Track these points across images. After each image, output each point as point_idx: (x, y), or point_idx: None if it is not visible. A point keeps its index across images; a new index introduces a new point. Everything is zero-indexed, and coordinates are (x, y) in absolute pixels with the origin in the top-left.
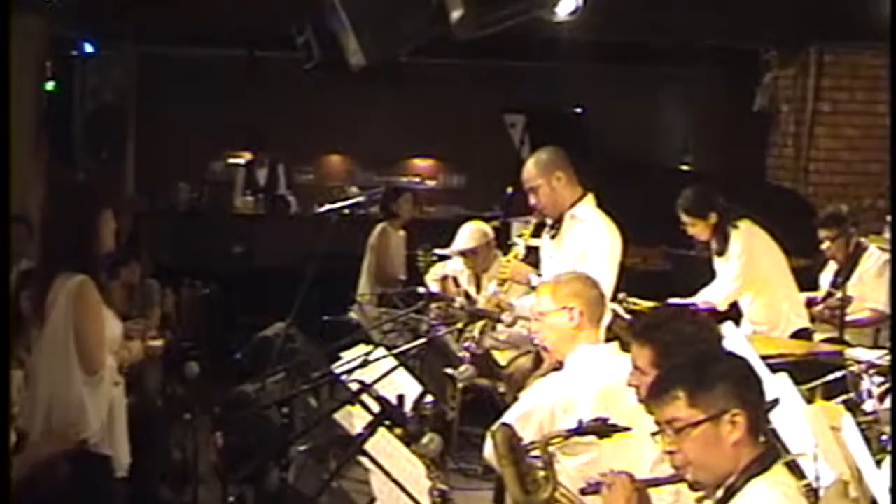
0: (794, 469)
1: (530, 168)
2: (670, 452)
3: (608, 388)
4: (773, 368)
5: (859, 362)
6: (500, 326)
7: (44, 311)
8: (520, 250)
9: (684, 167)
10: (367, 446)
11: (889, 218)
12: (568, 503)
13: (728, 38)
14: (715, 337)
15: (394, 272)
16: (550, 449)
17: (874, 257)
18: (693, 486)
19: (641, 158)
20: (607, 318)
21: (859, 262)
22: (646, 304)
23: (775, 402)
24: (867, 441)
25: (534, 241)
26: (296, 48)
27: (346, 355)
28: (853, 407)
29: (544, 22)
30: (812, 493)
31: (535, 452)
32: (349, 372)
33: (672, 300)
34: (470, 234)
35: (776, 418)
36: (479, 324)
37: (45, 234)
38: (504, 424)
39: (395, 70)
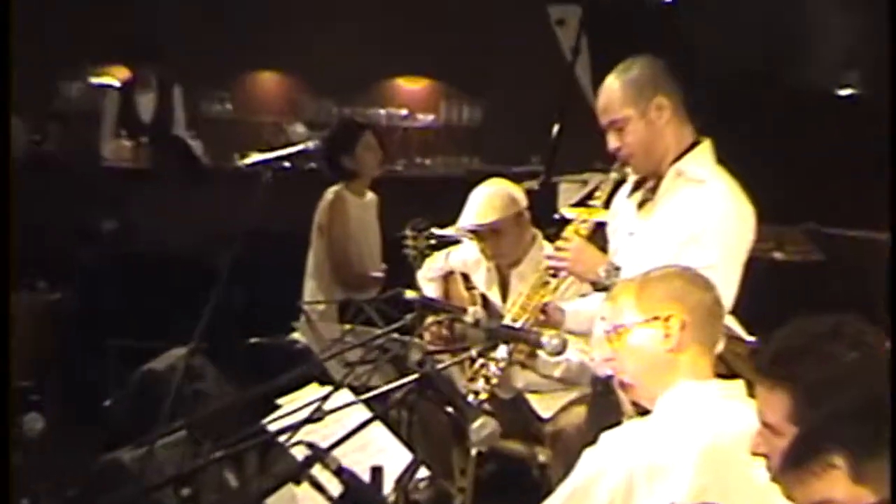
0: None
1: (613, 89)
2: None
3: (720, 449)
4: None
5: None
6: (541, 354)
7: None
8: (583, 226)
9: (845, 92)
10: None
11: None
12: None
13: None
14: (884, 365)
15: (361, 266)
16: None
17: None
18: None
19: (773, 79)
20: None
21: None
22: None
23: None
24: None
25: (601, 214)
26: None
27: (288, 401)
28: None
29: None
30: None
31: None
32: (293, 429)
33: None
34: (489, 201)
35: None
36: (505, 350)
37: None
38: None
39: None
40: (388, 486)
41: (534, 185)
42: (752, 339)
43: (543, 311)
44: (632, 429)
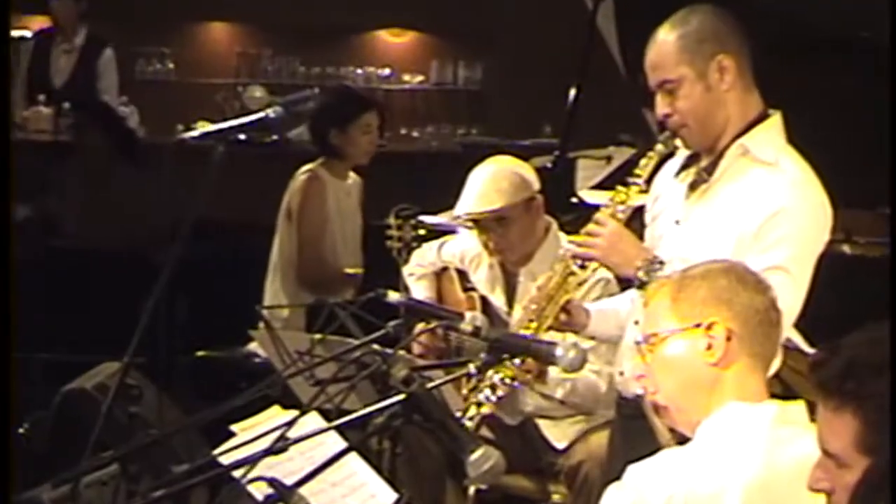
0: None
1: (667, 42)
2: None
3: (772, 483)
4: None
5: None
6: (552, 371)
7: None
8: (619, 209)
9: None
10: None
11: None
12: None
13: None
14: None
15: (336, 263)
16: None
17: None
18: None
19: (833, 30)
20: (778, 356)
21: None
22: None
23: None
24: None
25: (642, 197)
26: None
27: (245, 428)
28: None
29: None
30: None
31: None
32: (251, 462)
33: None
34: (493, 183)
35: None
36: (512, 367)
37: None
38: None
39: None
40: None
41: (546, 162)
42: (813, 351)
43: (566, 309)
44: (665, 459)
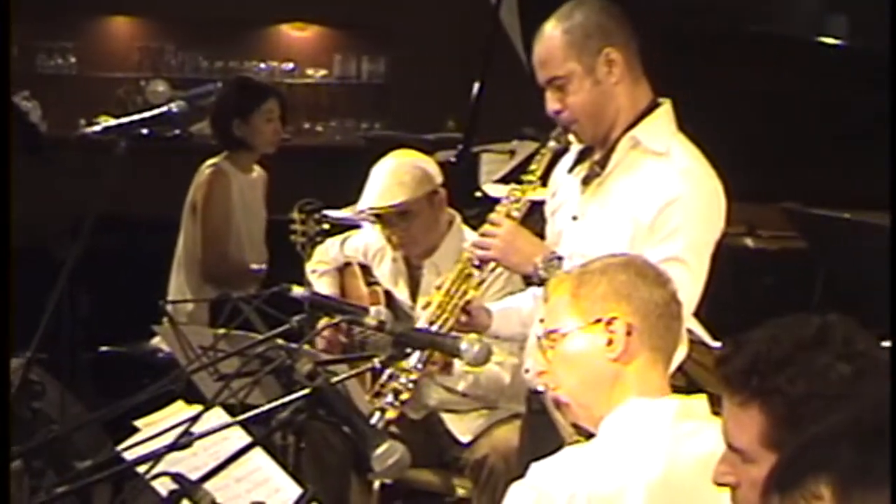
0: None
1: (552, 38)
2: None
3: (675, 479)
4: None
5: None
6: (457, 364)
7: None
8: (514, 206)
9: (829, 40)
10: None
11: None
12: None
13: None
14: (878, 378)
15: (240, 256)
16: None
17: None
18: None
19: (737, 23)
20: (681, 351)
21: None
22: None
23: None
24: None
25: (537, 192)
26: None
27: (149, 423)
28: None
29: None
30: None
31: None
32: (155, 457)
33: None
34: (396, 176)
35: None
36: (415, 359)
37: None
38: None
39: None
40: None
41: (450, 156)
42: (718, 345)
43: (466, 310)
44: (568, 457)
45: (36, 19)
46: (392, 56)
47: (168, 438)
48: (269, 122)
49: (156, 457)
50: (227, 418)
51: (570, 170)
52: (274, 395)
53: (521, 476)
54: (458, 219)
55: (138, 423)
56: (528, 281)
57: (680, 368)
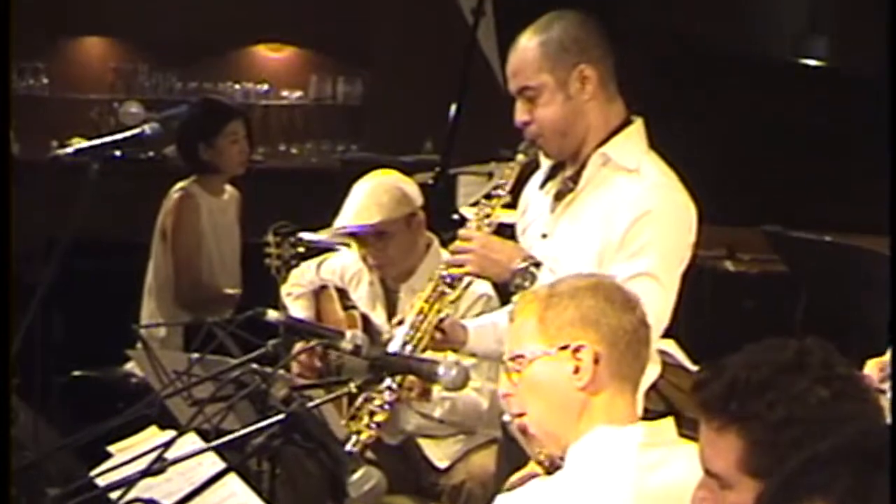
0: None
1: (527, 48)
2: None
3: None
4: None
5: None
6: (436, 390)
7: None
8: (484, 222)
9: (808, 62)
10: None
11: None
12: None
13: None
14: (868, 397)
15: (213, 281)
16: None
17: None
18: None
19: (719, 45)
20: (653, 370)
21: None
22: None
23: None
24: None
25: (508, 212)
26: None
27: (122, 448)
28: None
29: None
30: None
31: None
32: (128, 483)
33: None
34: (373, 197)
35: None
36: (392, 384)
37: None
38: None
39: None
40: None
41: (427, 178)
42: (696, 368)
43: (440, 328)
44: (534, 490)
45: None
46: (368, 77)
47: (141, 464)
48: (233, 143)
49: (129, 483)
50: (201, 444)
51: (542, 186)
52: (249, 421)
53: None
54: (436, 242)
55: (111, 448)
56: (509, 291)
57: (657, 391)
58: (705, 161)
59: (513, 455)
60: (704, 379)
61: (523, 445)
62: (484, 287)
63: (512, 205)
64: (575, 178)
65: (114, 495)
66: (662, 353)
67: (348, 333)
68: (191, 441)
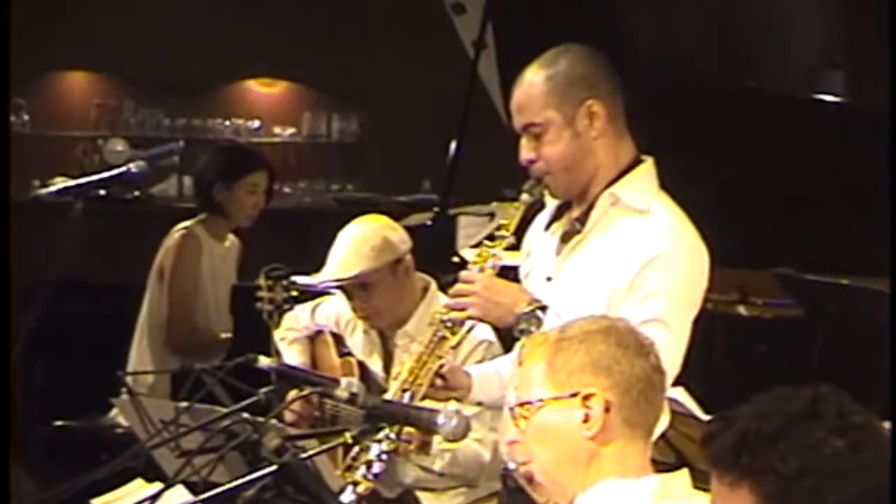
0: None
1: (533, 83)
2: None
3: None
4: None
5: None
6: (436, 440)
7: None
8: (486, 265)
9: (825, 97)
10: None
11: None
12: None
13: None
14: (874, 453)
15: (206, 325)
16: None
17: None
18: None
19: (732, 80)
20: (662, 419)
21: None
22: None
23: None
24: None
25: (511, 255)
26: None
27: (107, 501)
28: None
29: None
30: None
31: None
32: None
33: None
34: (354, 247)
35: None
36: (388, 434)
37: None
38: None
39: None
40: None
41: (426, 219)
42: (706, 417)
43: (440, 375)
44: None
45: None
46: (364, 113)
47: None
48: (251, 193)
49: None
50: (189, 497)
51: (547, 227)
52: (239, 472)
53: None
54: (434, 285)
55: (95, 501)
56: (512, 344)
57: (667, 441)
58: (716, 201)
59: None
60: (714, 431)
61: (529, 493)
62: (485, 332)
63: (516, 246)
64: (582, 219)
65: None
66: (672, 401)
67: (344, 381)
68: (178, 494)
